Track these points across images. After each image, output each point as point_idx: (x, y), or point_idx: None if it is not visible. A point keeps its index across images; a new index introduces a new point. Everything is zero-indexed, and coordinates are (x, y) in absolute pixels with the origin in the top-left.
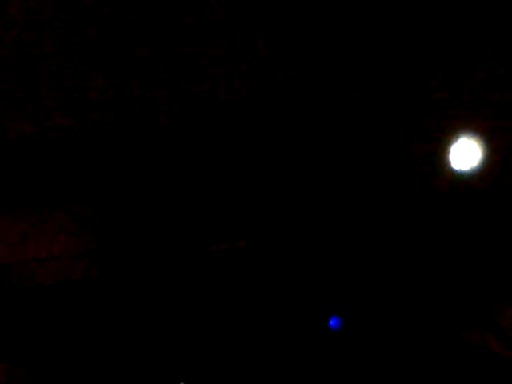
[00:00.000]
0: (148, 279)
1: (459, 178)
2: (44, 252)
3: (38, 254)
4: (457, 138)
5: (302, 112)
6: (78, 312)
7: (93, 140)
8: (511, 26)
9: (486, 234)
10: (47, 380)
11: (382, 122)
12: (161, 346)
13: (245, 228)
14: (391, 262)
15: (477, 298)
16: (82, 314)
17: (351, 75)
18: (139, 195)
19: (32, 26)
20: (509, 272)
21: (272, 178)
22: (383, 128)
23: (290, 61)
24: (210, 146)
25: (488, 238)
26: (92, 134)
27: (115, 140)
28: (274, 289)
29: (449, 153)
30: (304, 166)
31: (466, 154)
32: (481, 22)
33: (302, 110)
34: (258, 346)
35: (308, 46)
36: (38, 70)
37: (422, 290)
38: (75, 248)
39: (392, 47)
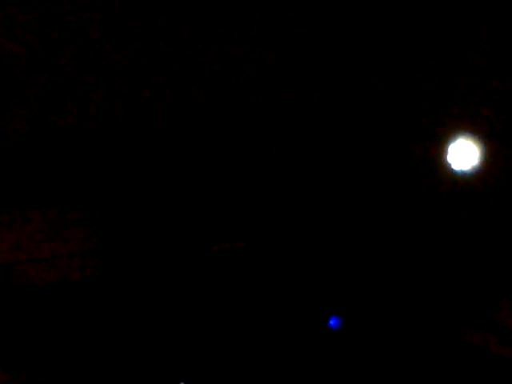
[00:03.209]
0: (149, 279)
1: (458, 178)
2: (44, 252)
3: (39, 253)
4: (456, 138)
5: (301, 114)
6: (78, 312)
7: (94, 142)
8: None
9: (485, 234)
10: (47, 379)
11: (381, 123)
12: (161, 346)
13: (245, 228)
14: (391, 261)
15: (477, 298)
16: (82, 313)
17: (351, 78)
18: (141, 196)
19: None
20: (509, 273)
21: (272, 179)
22: (382, 128)
23: (293, 64)
24: (212, 147)
25: (488, 237)
26: (92, 138)
27: (117, 140)
28: (275, 288)
29: (448, 153)
30: (304, 168)
31: (465, 154)
32: (479, 24)
33: (301, 112)
34: (258, 346)
35: (308, 48)
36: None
37: (423, 290)
38: (75, 248)
39: (390, 48)
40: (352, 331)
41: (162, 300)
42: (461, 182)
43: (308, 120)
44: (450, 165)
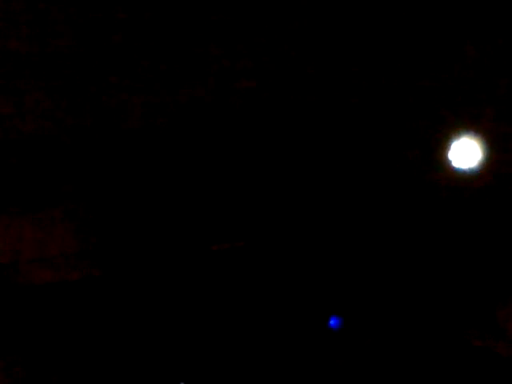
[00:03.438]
0: (149, 279)
1: (459, 177)
2: (44, 252)
3: (38, 253)
4: (457, 137)
5: (301, 115)
6: (77, 311)
7: (93, 141)
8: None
9: (486, 234)
10: (47, 379)
11: (381, 123)
12: (161, 346)
13: (245, 228)
14: (391, 261)
15: (478, 298)
16: (81, 313)
17: (351, 77)
18: (140, 196)
19: None
20: (509, 272)
21: (272, 179)
22: (383, 128)
23: (290, 66)
24: (211, 146)
25: (488, 237)
26: (91, 136)
27: (116, 139)
28: (275, 288)
29: (449, 152)
30: (303, 167)
31: (466, 153)
32: (480, 24)
33: (301, 113)
34: (258, 346)
35: (307, 50)
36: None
37: (423, 290)
38: (75, 248)
39: (391, 46)
40: (352, 331)
41: (161, 300)
42: (462, 181)
43: (308, 120)
44: (450, 164)
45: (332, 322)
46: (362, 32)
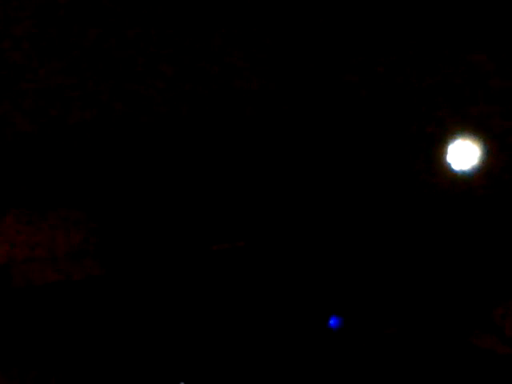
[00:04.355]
0: (149, 278)
1: (458, 178)
2: (44, 252)
3: (39, 253)
4: (456, 138)
5: (300, 114)
6: (78, 312)
7: (92, 140)
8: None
9: (486, 235)
10: (47, 380)
11: (379, 124)
12: (161, 346)
13: (245, 228)
14: (391, 262)
15: (478, 299)
16: (82, 313)
17: (350, 78)
18: (141, 196)
19: None
20: (510, 273)
21: (272, 179)
22: (381, 130)
23: (289, 69)
24: (212, 146)
25: (488, 238)
26: (90, 135)
27: (117, 140)
28: (275, 288)
29: (448, 153)
30: (303, 168)
31: (464, 154)
32: (479, 21)
33: (300, 112)
34: (258, 346)
35: (305, 52)
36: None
37: (424, 291)
38: (75, 248)
39: (389, 47)
40: (353, 332)
41: (162, 300)
42: (460, 182)
43: (308, 121)
44: (449, 165)
45: (332, 322)
46: (361, 33)
